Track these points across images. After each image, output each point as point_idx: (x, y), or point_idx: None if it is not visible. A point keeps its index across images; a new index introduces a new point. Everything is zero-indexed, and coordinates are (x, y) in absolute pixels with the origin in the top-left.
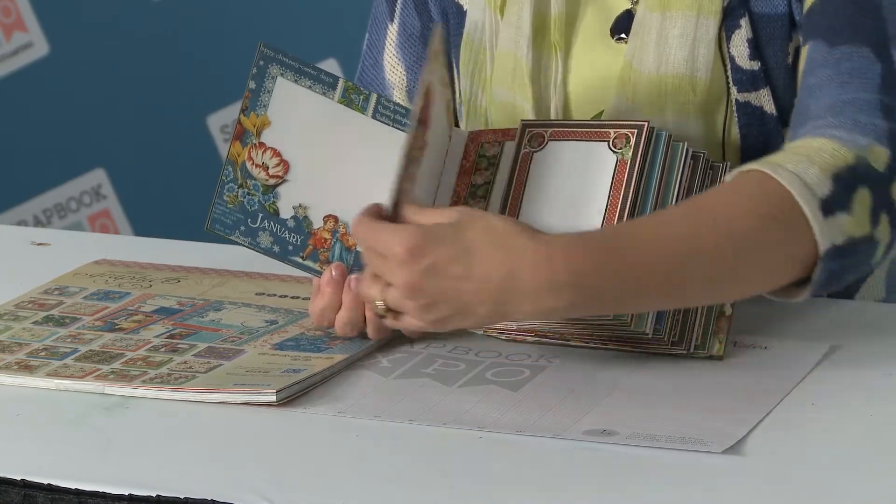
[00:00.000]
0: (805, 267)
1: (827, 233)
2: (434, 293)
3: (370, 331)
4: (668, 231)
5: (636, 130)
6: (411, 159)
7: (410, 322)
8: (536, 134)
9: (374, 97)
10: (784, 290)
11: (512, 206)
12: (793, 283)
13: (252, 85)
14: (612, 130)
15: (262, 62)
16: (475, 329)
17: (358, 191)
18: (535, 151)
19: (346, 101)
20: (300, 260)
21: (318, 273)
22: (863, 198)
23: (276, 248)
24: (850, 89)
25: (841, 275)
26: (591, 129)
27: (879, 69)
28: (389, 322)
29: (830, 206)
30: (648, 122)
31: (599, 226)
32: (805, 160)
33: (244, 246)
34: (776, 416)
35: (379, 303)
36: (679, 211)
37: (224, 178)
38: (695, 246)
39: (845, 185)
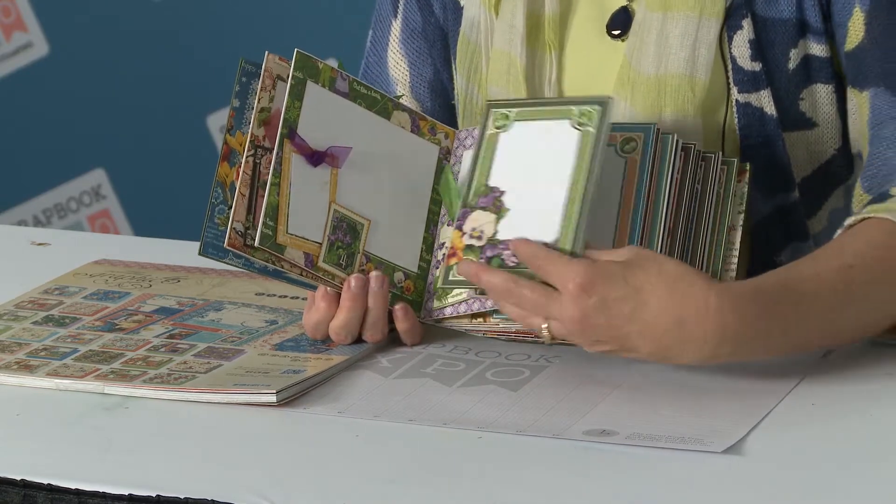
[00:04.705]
0: None
1: None
2: (599, 330)
3: (367, 335)
4: (826, 286)
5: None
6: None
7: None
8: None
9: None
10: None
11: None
12: None
13: (236, 103)
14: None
15: (244, 78)
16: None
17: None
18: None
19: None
20: (295, 276)
21: (313, 287)
22: None
23: (270, 267)
24: None
25: None
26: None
27: None
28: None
29: None
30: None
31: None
32: None
33: (238, 267)
34: (776, 416)
35: (544, 332)
36: (831, 265)
37: (213, 200)
38: (848, 298)
39: None
